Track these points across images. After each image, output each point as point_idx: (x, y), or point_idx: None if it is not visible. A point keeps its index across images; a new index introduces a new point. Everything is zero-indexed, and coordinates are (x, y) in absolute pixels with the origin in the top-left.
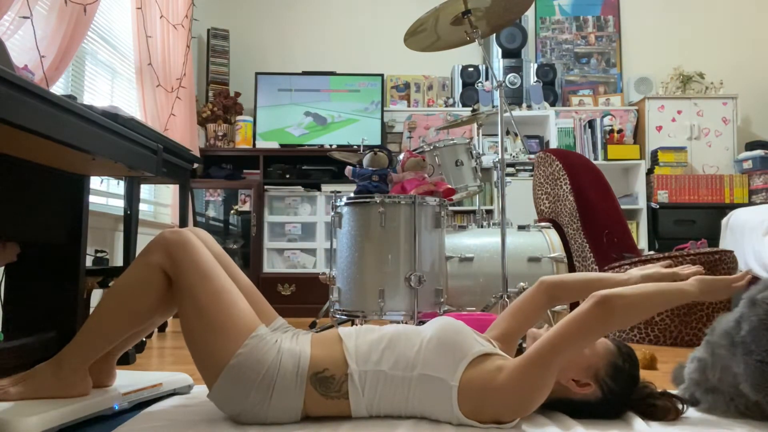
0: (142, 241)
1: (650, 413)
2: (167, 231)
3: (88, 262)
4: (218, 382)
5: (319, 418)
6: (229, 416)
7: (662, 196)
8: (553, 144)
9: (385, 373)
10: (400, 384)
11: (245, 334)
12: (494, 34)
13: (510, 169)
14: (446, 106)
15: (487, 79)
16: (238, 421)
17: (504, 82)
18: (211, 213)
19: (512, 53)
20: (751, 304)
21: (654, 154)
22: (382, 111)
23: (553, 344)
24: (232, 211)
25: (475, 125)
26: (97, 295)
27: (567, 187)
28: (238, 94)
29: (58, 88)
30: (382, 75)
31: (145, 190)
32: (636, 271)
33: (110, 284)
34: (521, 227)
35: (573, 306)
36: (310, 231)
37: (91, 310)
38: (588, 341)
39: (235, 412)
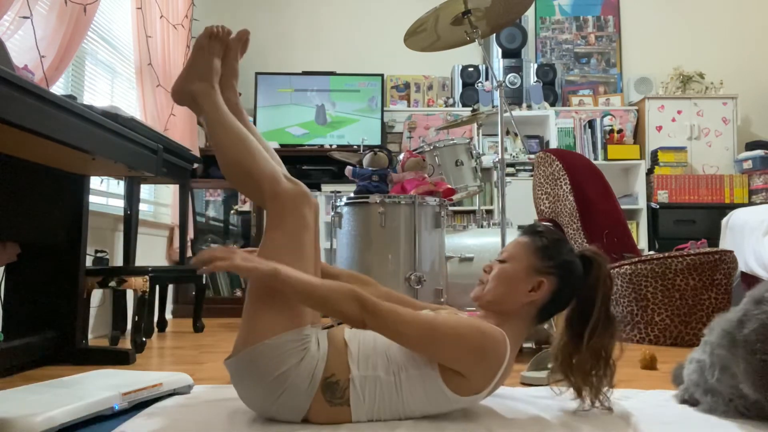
0: (142, 241)
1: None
2: (304, 189)
3: (88, 262)
4: (242, 354)
5: None
6: (227, 410)
7: (662, 196)
8: (553, 144)
9: (381, 378)
10: (394, 389)
11: (294, 324)
12: (494, 34)
13: (510, 169)
14: (446, 106)
15: (487, 79)
16: (242, 400)
17: (504, 82)
18: (211, 213)
19: (512, 53)
20: (757, 302)
21: (654, 154)
22: (382, 111)
23: (384, 324)
24: (232, 211)
25: (475, 125)
26: (97, 295)
27: (567, 187)
28: (238, 94)
29: (58, 88)
30: (382, 75)
31: (145, 190)
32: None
33: (111, 284)
34: (521, 227)
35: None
36: None
37: (92, 310)
38: (319, 297)
39: (242, 390)
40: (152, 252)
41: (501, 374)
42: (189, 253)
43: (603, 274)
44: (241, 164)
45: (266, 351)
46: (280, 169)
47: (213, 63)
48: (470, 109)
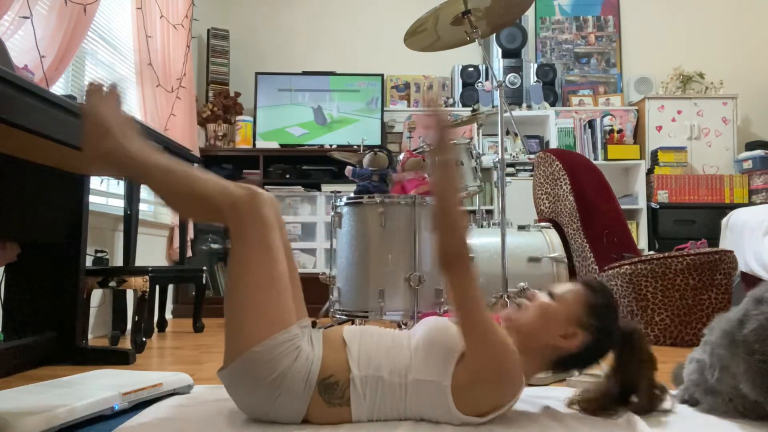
0: (142, 241)
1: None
2: (257, 189)
3: (88, 262)
4: (234, 364)
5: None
6: (227, 411)
7: (662, 196)
8: (553, 144)
9: (383, 379)
10: (398, 390)
11: (279, 326)
12: (494, 34)
13: (510, 169)
14: (446, 106)
15: (487, 79)
16: (239, 408)
17: (504, 82)
18: None
19: (512, 53)
20: (757, 302)
21: (654, 154)
22: (382, 111)
23: (468, 319)
24: None
25: (475, 125)
26: (97, 295)
27: (567, 187)
28: (238, 94)
29: (58, 88)
30: (382, 75)
31: (145, 190)
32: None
33: (111, 284)
34: (521, 227)
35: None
36: (310, 231)
37: (92, 310)
38: (471, 290)
39: (238, 399)
40: (152, 252)
41: (505, 409)
42: (189, 253)
43: (644, 356)
44: (190, 193)
45: (258, 357)
46: (224, 180)
47: (106, 117)
48: (470, 109)
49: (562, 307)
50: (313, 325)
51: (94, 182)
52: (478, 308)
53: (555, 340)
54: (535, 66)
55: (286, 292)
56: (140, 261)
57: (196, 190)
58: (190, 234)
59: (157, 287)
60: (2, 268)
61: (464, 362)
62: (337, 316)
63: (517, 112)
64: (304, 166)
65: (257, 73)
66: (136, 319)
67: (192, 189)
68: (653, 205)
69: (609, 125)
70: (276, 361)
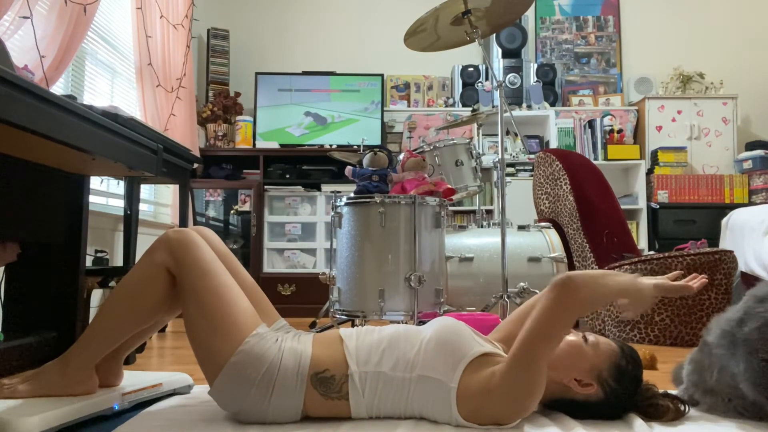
0: (142, 241)
1: (652, 414)
2: (171, 230)
3: (88, 262)
4: (219, 379)
5: (318, 419)
6: (229, 414)
7: (662, 196)
8: (553, 144)
9: (385, 374)
10: (400, 385)
11: (246, 332)
12: (494, 34)
13: (510, 169)
14: (446, 106)
15: (487, 79)
16: (238, 420)
17: (504, 82)
18: (211, 213)
19: (512, 53)
20: (760, 300)
21: (654, 154)
22: (382, 111)
23: (531, 339)
24: (232, 211)
25: (475, 125)
26: (97, 295)
27: (567, 187)
28: (238, 94)
29: (58, 88)
30: (382, 75)
31: (145, 190)
32: (647, 279)
33: (111, 284)
34: (521, 227)
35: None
36: (310, 231)
37: (92, 310)
38: (563, 326)
39: (235, 409)
40: None
41: (503, 428)
42: None
43: (669, 417)
44: (145, 315)
45: (241, 359)
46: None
47: (19, 389)
48: (470, 109)
49: (591, 354)
50: (313, 325)
51: (94, 182)
52: (552, 340)
53: (569, 381)
54: (535, 66)
55: (239, 299)
56: None
57: (141, 306)
58: None
59: None
60: (2, 268)
61: (484, 372)
62: (337, 316)
63: (517, 112)
64: (304, 166)
65: (257, 73)
66: None
67: (137, 309)
68: (653, 205)
69: (609, 125)
70: (259, 358)
